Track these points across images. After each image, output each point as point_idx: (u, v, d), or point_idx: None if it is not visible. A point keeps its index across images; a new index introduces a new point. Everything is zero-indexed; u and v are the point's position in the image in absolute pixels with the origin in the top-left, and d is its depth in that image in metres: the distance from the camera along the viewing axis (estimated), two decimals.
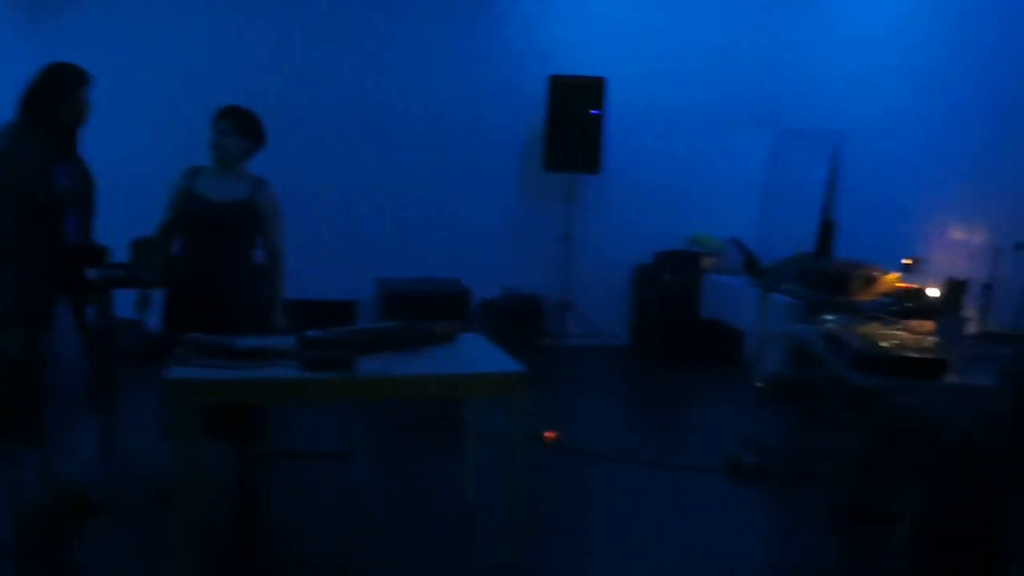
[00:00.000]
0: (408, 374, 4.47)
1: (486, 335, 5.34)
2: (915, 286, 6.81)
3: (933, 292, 6.45)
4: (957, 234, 7.16)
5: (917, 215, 7.65)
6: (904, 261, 7.00)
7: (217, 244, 5.23)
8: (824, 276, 7.36)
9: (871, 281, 7.12)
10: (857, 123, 8.63)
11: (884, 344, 4.87)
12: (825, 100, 9.19)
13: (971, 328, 5.97)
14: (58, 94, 4.61)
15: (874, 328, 5.23)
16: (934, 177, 7.54)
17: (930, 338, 5.25)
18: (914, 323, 6.08)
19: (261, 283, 5.41)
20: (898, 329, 5.41)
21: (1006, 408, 2.49)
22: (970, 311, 6.18)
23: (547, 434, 6.68)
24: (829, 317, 5.65)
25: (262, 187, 5.35)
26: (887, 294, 6.93)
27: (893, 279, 7.09)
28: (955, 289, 6.25)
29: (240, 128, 5.28)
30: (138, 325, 8.45)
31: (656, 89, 9.64)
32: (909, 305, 6.54)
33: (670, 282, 9.41)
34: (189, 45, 8.73)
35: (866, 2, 8.73)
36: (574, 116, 9.04)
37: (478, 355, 4.90)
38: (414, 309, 7.67)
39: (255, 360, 4.33)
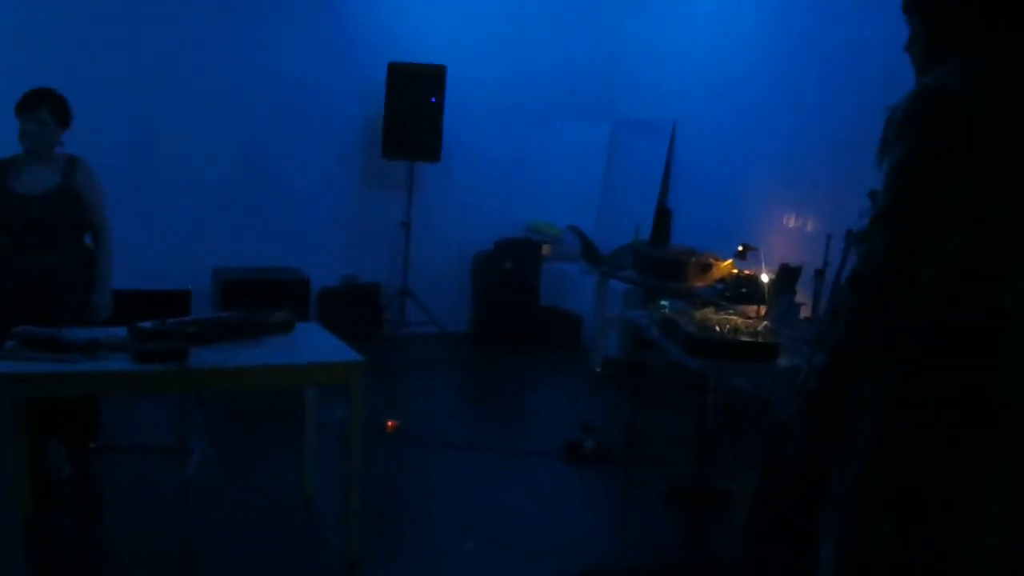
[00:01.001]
0: (243, 365, 4.39)
1: (327, 324, 5.30)
2: (749, 272, 6.97)
3: (766, 278, 6.61)
4: (791, 222, 7.36)
5: (752, 203, 7.84)
6: (739, 248, 7.16)
7: (42, 237, 5.02)
8: (660, 262, 7.48)
9: (706, 267, 7.27)
10: (692, 113, 8.83)
11: (717, 328, 4.98)
12: (660, 91, 9.38)
13: (803, 313, 6.14)
14: None
15: (708, 313, 5.33)
16: (767, 165, 7.74)
17: (763, 323, 5.39)
18: (748, 308, 6.24)
19: (91, 268, 5.24)
20: (732, 314, 5.53)
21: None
22: (803, 297, 6.36)
23: (389, 423, 6.65)
24: (665, 303, 5.74)
25: (76, 166, 5.14)
26: (722, 280, 7.08)
27: (728, 266, 7.25)
28: (788, 275, 6.40)
29: (59, 114, 5.08)
30: None
31: (496, 78, 9.68)
32: (743, 291, 6.69)
33: (510, 269, 9.47)
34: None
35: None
36: (414, 104, 8.99)
37: (315, 344, 4.85)
38: (252, 298, 7.53)
39: (85, 352, 4.20)
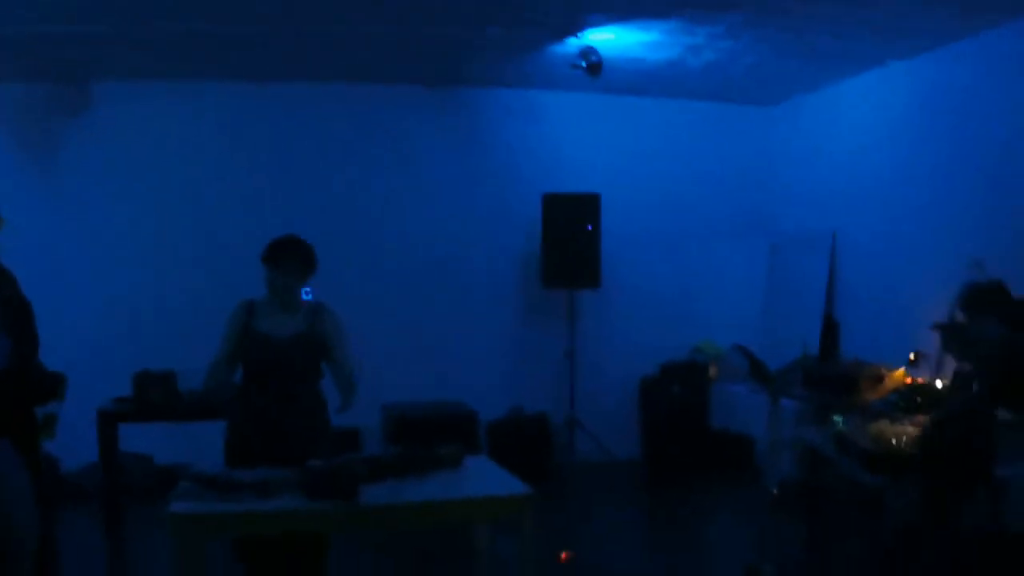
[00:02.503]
0: (413, 501, 4.39)
1: (495, 456, 5.26)
2: (923, 380, 6.75)
3: (940, 384, 6.37)
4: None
5: (921, 308, 7.60)
6: (910, 356, 6.94)
7: (284, 382, 5.10)
8: (831, 377, 7.30)
9: (878, 379, 7.06)
10: (851, 220, 8.67)
11: (894, 442, 4.80)
12: (817, 204, 9.24)
13: None
14: None
15: (883, 426, 5.15)
16: (934, 267, 7.52)
17: None
18: (924, 418, 6.01)
19: (326, 413, 5.32)
20: (909, 425, 5.33)
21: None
22: None
23: (562, 555, 6.56)
24: (838, 418, 5.58)
25: (321, 313, 5.23)
26: (895, 390, 6.85)
27: (900, 375, 7.03)
28: (964, 380, 6.16)
29: (306, 265, 5.19)
30: (146, 459, 8.49)
31: (649, 202, 9.74)
32: (918, 400, 6.46)
33: (678, 393, 9.35)
34: (190, 174, 8.96)
35: (852, 108, 8.82)
36: (570, 233, 9.05)
37: (484, 478, 4.82)
38: (421, 434, 7.59)
39: (256, 491, 4.25)
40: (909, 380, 6.91)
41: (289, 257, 5.13)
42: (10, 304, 4.39)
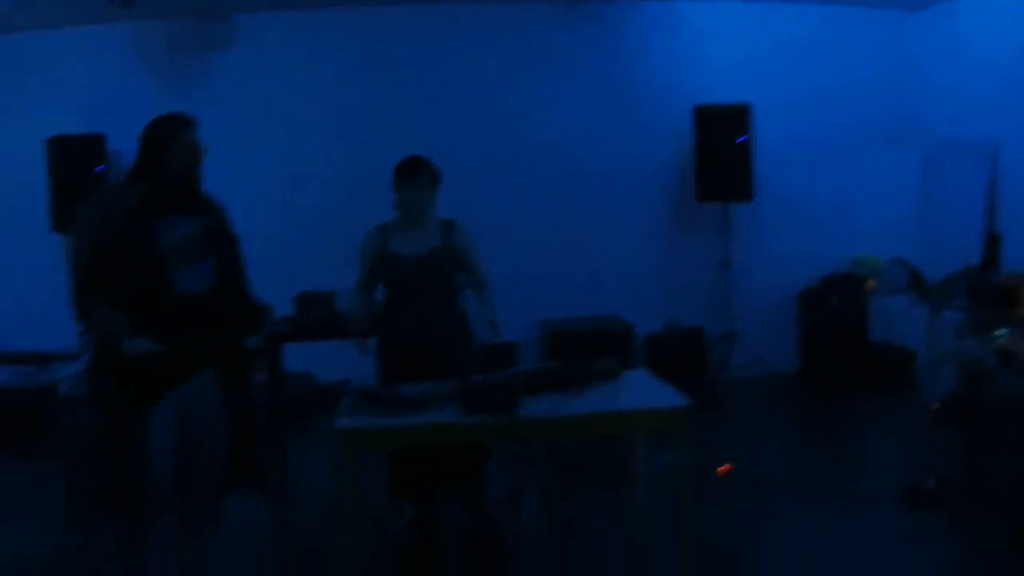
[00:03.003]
0: (572, 413, 4.48)
1: (652, 370, 5.30)
2: None
3: None
4: None
5: None
6: None
7: (425, 297, 5.31)
8: (993, 290, 7.12)
9: None
10: (1015, 134, 8.36)
11: None
12: (975, 113, 8.91)
13: None
14: (160, 144, 4.17)
15: None
16: None
17: None
18: None
19: (468, 326, 5.51)
20: None
21: None
22: None
23: (720, 468, 6.60)
24: (1001, 331, 5.47)
25: (454, 228, 5.42)
26: None
27: None
28: None
29: (434, 182, 5.37)
30: (308, 378, 8.80)
31: (801, 112, 9.53)
32: None
33: (836, 306, 9.24)
34: (333, 99, 9.23)
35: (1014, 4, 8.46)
36: (722, 145, 8.98)
37: (642, 391, 4.86)
38: (578, 348, 7.68)
39: (415, 407, 4.40)
40: None
41: (418, 175, 5.31)
42: (216, 233, 4.36)
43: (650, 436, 5.28)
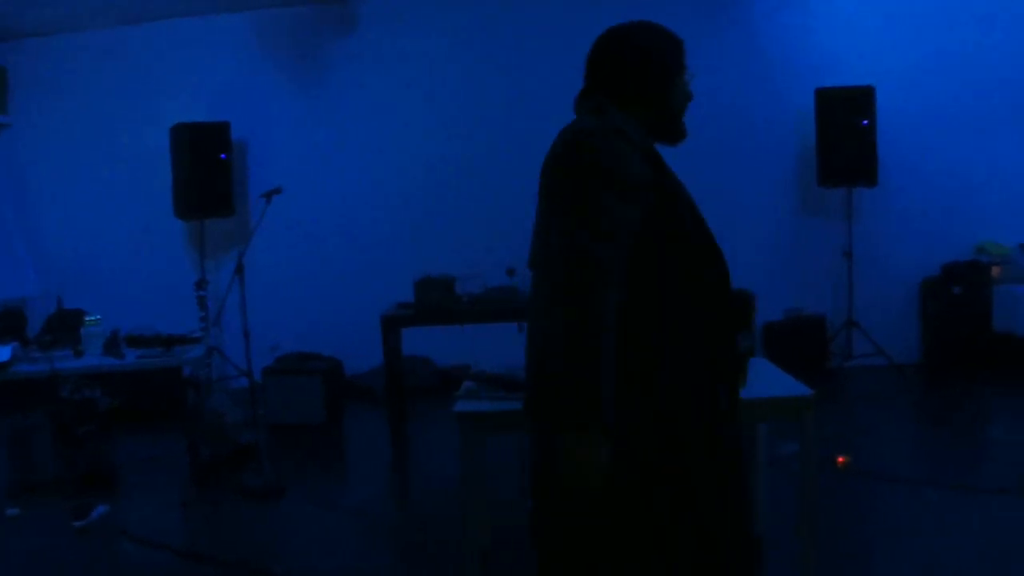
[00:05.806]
0: None
1: (772, 358, 5.24)
2: None
3: None
4: None
5: None
6: None
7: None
8: None
9: None
10: None
11: None
12: None
13: None
14: (664, 71, 3.18)
15: None
16: None
17: None
18: None
19: None
20: None
21: None
22: None
23: (839, 458, 6.49)
24: None
25: None
26: None
27: None
28: None
29: None
30: (427, 362, 8.89)
31: (925, 94, 9.28)
32: None
33: (959, 295, 9.02)
34: (445, 83, 9.27)
35: None
36: (845, 128, 8.80)
37: (764, 379, 4.76)
38: None
39: None
40: None
41: None
42: None
43: (772, 424, 5.22)
